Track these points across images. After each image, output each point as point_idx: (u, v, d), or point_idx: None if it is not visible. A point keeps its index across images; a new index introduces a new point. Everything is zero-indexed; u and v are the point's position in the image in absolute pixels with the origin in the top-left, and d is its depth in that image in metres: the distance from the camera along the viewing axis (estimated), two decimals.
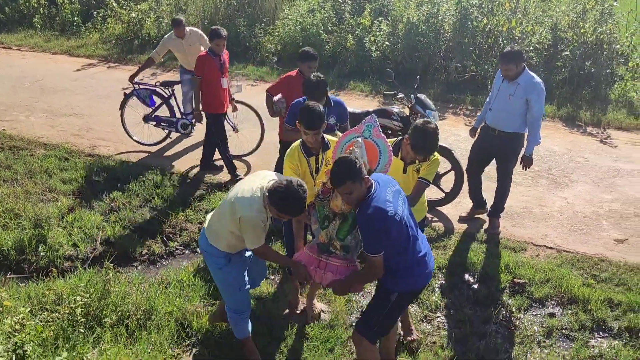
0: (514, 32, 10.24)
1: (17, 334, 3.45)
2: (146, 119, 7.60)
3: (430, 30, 10.63)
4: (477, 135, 5.87)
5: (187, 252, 5.49)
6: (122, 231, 5.63)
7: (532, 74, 5.37)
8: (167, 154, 7.63)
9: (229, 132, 6.93)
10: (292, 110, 4.68)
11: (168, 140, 7.82)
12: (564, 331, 4.52)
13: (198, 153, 7.23)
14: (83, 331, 3.76)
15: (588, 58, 9.92)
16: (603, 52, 10.00)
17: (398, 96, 6.27)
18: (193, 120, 7.31)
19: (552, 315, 4.68)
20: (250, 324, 4.03)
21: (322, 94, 4.59)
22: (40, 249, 5.20)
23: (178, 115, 7.61)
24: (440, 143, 6.25)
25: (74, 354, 3.50)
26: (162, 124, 7.61)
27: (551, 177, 6.89)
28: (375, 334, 3.59)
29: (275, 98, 5.55)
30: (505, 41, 10.15)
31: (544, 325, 4.55)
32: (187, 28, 7.61)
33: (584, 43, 9.94)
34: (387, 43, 10.72)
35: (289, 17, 12.07)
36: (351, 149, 3.66)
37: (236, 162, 6.94)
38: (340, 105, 4.86)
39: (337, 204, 3.53)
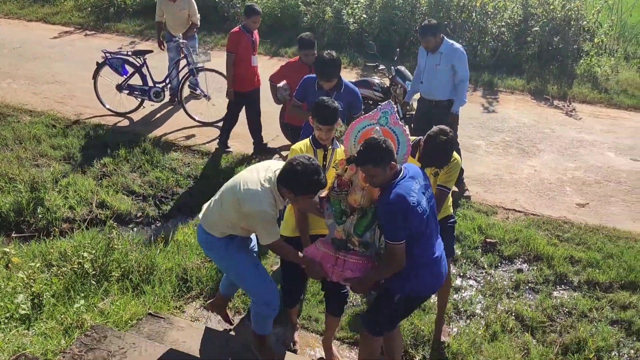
0: (486, 7, 10.58)
1: (33, 284, 3.71)
2: (119, 87, 7.73)
3: (406, 4, 10.90)
4: (415, 109, 6.21)
5: (179, 215, 5.76)
6: (116, 195, 5.86)
7: (451, 41, 5.78)
8: (150, 120, 7.80)
9: (201, 101, 7.18)
10: (302, 85, 4.63)
11: (141, 109, 7.96)
12: (530, 284, 4.98)
13: (177, 119, 7.43)
14: (94, 283, 4.03)
15: (556, 34, 10.35)
16: (570, 28, 10.42)
17: (379, 68, 6.59)
18: (166, 88, 7.54)
19: (519, 270, 5.14)
20: (272, 323, 3.79)
21: (334, 73, 4.43)
22: (38, 210, 5.40)
23: (150, 83, 7.74)
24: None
25: (87, 303, 3.77)
26: (135, 92, 7.75)
27: (520, 147, 7.33)
28: (378, 330, 3.52)
29: (279, 85, 5.64)
30: (478, 16, 10.50)
31: (512, 280, 5.01)
32: None
33: (552, 19, 10.34)
34: (364, 16, 10.96)
35: None
36: (370, 137, 3.30)
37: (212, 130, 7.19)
38: (353, 93, 4.65)
39: (356, 198, 3.38)
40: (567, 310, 4.62)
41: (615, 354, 4.15)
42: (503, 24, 10.41)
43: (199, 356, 3.51)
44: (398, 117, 3.49)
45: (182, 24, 7.94)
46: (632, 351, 4.19)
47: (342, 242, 3.46)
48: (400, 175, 3.18)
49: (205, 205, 3.62)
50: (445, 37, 5.74)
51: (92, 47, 10.28)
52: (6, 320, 3.42)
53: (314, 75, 4.51)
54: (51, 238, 4.97)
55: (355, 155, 3.19)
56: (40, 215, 5.39)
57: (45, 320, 3.54)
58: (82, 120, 7.59)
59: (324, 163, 3.69)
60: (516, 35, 10.46)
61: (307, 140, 3.72)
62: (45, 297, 3.71)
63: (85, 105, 8.09)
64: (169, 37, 7.95)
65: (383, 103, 3.57)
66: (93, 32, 11.77)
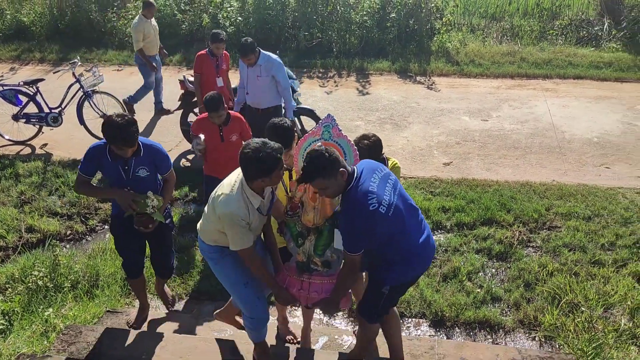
0: None
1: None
2: (15, 117, 7.98)
3: (276, 3, 11.80)
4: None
5: (105, 227, 6.30)
6: (41, 218, 6.29)
7: (268, 53, 6.25)
8: (53, 144, 8.12)
9: (97, 118, 7.72)
10: (90, 155, 3.92)
11: (41, 135, 8.20)
12: None
13: (80, 139, 7.85)
14: (53, 294, 4.61)
15: (411, 17, 11.75)
16: (422, 10, 11.87)
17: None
18: (62, 112, 7.94)
19: None
20: (266, 329, 3.79)
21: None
22: None
23: (47, 110, 8.00)
24: (304, 105, 7.63)
25: (54, 312, 4.37)
26: (32, 120, 8.01)
27: (393, 122, 8.54)
28: (373, 318, 3.52)
29: (194, 138, 5.27)
30: (342, 8, 11.65)
31: None
32: None
33: (406, 5, 11.71)
34: (239, 18, 11.73)
35: None
36: None
37: None
38: (155, 151, 4.02)
39: (309, 218, 3.39)
40: (444, 248, 5.79)
41: (481, 274, 5.37)
42: (365, 13, 11.62)
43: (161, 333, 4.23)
44: (340, 129, 3.50)
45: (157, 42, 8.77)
46: (493, 270, 5.45)
47: (305, 264, 3.48)
48: (355, 177, 3.12)
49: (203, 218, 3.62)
50: (261, 51, 6.20)
51: None
52: None
53: (102, 141, 3.88)
54: None
55: (302, 172, 3.10)
56: None
57: (21, 331, 4.11)
58: None
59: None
60: (377, 22, 11.71)
61: None
62: (14, 313, 4.26)
63: None
64: (139, 58, 8.58)
65: (323, 118, 3.54)
66: None
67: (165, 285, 4.91)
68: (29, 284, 4.70)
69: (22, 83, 7.99)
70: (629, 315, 4.62)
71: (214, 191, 3.35)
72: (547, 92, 9.45)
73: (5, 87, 7.90)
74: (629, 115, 8.49)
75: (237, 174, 3.29)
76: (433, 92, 9.69)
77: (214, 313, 4.22)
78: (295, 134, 3.78)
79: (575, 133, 7.97)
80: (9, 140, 8.07)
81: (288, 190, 3.61)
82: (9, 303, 4.33)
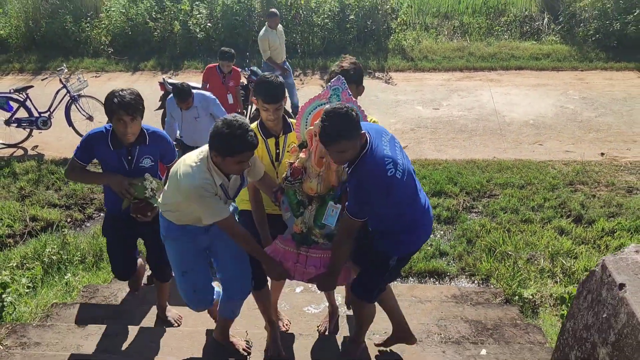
0: (309, 3, 12.67)
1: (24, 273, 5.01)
2: (7, 122, 8.67)
3: (243, 9, 12.63)
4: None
5: (102, 214, 7.06)
6: (42, 209, 7.02)
7: (200, 92, 6.24)
8: (44, 145, 8.82)
9: (83, 120, 8.46)
10: (88, 142, 3.65)
11: (31, 138, 8.86)
12: None
13: (70, 139, 8.54)
14: (65, 267, 5.39)
15: (369, 18, 12.71)
16: (379, 12, 12.85)
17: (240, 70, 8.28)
18: (51, 116, 8.62)
19: None
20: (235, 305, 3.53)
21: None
22: None
23: (36, 114, 8.68)
24: None
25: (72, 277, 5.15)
26: (23, 124, 8.71)
27: None
28: (374, 297, 3.36)
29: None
30: (304, 12, 12.55)
31: None
32: None
33: (363, 7, 12.67)
34: (209, 24, 12.53)
35: (112, 9, 13.20)
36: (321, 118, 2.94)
37: None
38: (162, 140, 3.80)
39: (312, 186, 3.14)
40: None
41: (432, 236, 6.31)
42: (326, 16, 12.55)
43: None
44: (350, 93, 3.19)
45: (284, 50, 9.10)
46: (441, 232, 6.39)
47: (303, 235, 3.22)
48: (368, 141, 2.88)
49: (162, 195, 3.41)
50: (194, 91, 6.13)
51: None
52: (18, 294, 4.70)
53: (102, 127, 3.65)
54: (4, 251, 6.11)
55: (321, 131, 2.80)
56: None
57: (45, 292, 4.88)
58: None
59: (277, 151, 3.41)
60: (337, 24, 12.64)
61: (254, 127, 3.31)
62: (36, 280, 5.03)
63: None
64: (268, 66, 8.90)
65: (332, 80, 3.22)
66: None
67: (168, 305, 4.28)
68: (44, 259, 5.46)
69: (12, 90, 8.66)
70: (549, 259, 5.61)
71: (175, 165, 3.14)
72: (492, 82, 10.52)
73: None
74: (562, 99, 9.60)
75: (203, 150, 3.09)
76: (390, 85, 10.66)
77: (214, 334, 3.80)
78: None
79: (515, 117, 9.02)
80: (2, 144, 8.74)
81: (274, 160, 3.39)
82: (32, 271, 5.08)
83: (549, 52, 11.68)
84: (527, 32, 12.95)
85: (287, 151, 3.39)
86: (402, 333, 3.62)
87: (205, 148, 3.07)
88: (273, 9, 9.15)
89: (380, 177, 2.81)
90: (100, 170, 3.79)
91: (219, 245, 3.40)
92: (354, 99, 3.17)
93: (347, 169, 3.00)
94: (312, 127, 3.12)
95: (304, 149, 3.19)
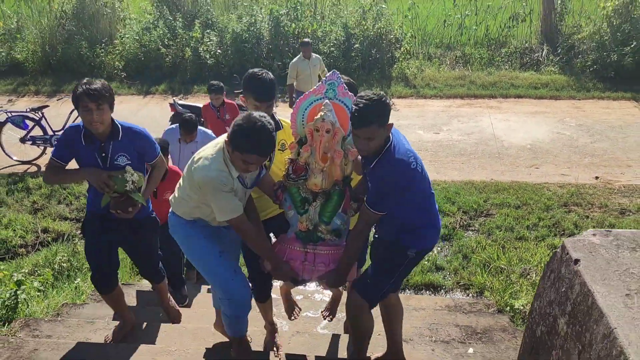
0: (316, 32, 13.12)
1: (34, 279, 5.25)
2: (22, 140, 9.02)
3: (252, 37, 13.08)
4: None
5: None
6: (54, 222, 7.28)
7: (202, 129, 6.04)
8: None
9: None
10: (66, 139, 3.50)
11: (44, 155, 9.13)
12: None
13: None
14: (76, 272, 5.62)
15: (373, 47, 13.12)
16: (383, 41, 13.27)
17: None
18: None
19: None
20: (247, 321, 3.45)
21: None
22: None
23: (51, 132, 9.03)
24: None
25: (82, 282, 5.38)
26: (38, 141, 9.06)
27: None
28: (380, 297, 3.21)
29: None
30: (311, 41, 12.96)
31: None
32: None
33: (368, 37, 13.10)
34: (219, 51, 12.97)
35: (126, 36, 13.71)
36: (321, 114, 3.03)
37: None
38: (141, 136, 3.61)
39: (317, 182, 3.06)
40: None
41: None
42: (332, 44, 12.98)
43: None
44: (346, 88, 3.13)
45: (314, 81, 8.85)
46: (438, 248, 6.60)
47: (309, 233, 3.15)
48: (391, 135, 2.89)
49: (176, 190, 3.29)
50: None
51: None
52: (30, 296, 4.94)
53: (79, 122, 3.50)
54: (16, 260, 6.37)
55: (353, 114, 2.77)
56: None
57: (56, 295, 5.11)
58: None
59: None
60: (343, 52, 13.06)
61: None
62: (47, 284, 5.27)
63: None
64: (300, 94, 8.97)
65: (327, 74, 3.16)
66: None
67: (170, 296, 4.34)
68: (55, 266, 5.70)
69: (28, 110, 9.03)
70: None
71: (192, 157, 3.06)
72: (492, 109, 10.83)
73: (14, 114, 8.93)
74: (559, 126, 9.88)
75: (220, 139, 3.02)
76: (392, 111, 10.90)
77: (215, 324, 3.87)
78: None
79: (513, 141, 9.29)
80: (17, 160, 9.06)
81: (266, 162, 3.26)
82: (42, 276, 5.32)
83: (547, 81, 12.01)
84: (526, 63, 13.31)
85: (278, 149, 3.33)
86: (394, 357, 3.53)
87: (221, 139, 3.00)
88: (306, 39, 9.48)
89: (405, 171, 2.83)
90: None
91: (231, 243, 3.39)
92: (349, 93, 3.10)
93: (362, 160, 3.04)
94: (311, 123, 3.07)
95: (304, 146, 3.11)
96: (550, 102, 11.18)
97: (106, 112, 3.32)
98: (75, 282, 5.32)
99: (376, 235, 3.30)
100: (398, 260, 3.14)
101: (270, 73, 3.23)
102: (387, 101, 2.78)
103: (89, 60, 13.50)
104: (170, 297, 4.39)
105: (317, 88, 3.14)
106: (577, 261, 1.96)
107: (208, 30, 13.35)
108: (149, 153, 3.62)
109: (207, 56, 12.94)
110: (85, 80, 3.30)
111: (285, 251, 3.22)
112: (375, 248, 3.31)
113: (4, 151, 9.01)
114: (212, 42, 13.08)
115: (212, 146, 3.01)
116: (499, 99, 11.40)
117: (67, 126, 3.55)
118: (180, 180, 3.24)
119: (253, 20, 13.24)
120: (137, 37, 13.51)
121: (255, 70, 3.24)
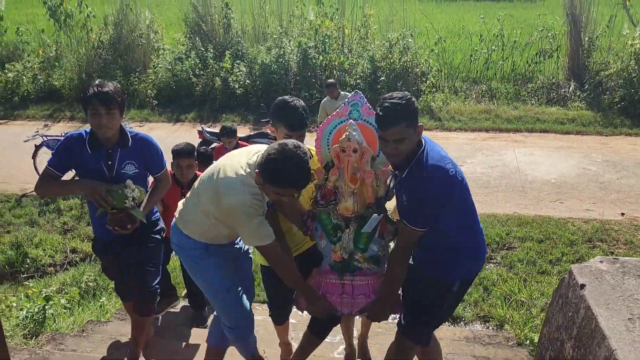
0: (343, 65, 13.38)
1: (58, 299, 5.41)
2: None
3: (280, 68, 13.39)
4: None
5: None
6: (83, 242, 7.49)
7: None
8: None
9: None
10: (65, 146, 3.34)
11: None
12: None
13: None
14: (101, 292, 5.77)
15: (399, 80, 13.29)
16: (409, 74, 13.44)
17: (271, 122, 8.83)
18: None
19: None
20: (254, 336, 3.33)
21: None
22: (27, 261, 6.94)
23: None
24: None
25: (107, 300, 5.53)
26: None
27: None
28: (427, 336, 2.98)
29: None
30: (338, 72, 13.25)
31: None
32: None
33: (394, 70, 13.30)
34: (247, 81, 13.29)
35: (159, 65, 14.16)
36: (346, 134, 2.86)
37: None
38: (148, 144, 3.49)
39: (348, 206, 2.85)
40: None
41: None
42: (358, 77, 13.20)
43: None
44: (370, 106, 2.99)
45: None
46: None
47: (344, 263, 2.92)
48: (424, 140, 2.65)
49: (180, 203, 3.12)
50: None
51: (10, 134, 11.65)
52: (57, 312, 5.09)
53: (82, 130, 3.36)
54: (45, 278, 6.56)
55: (378, 115, 2.61)
56: (29, 264, 6.93)
57: (82, 313, 5.26)
58: (29, 194, 9.06)
59: None
60: (369, 84, 13.24)
61: None
62: (73, 302, 5.43)
63: (26, 182, 9.49)
64: None
65: (350, 95, 3.07)
66: (5, 120, 13.04)
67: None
68: (81, 285, 5.87)
69: (63, 134, 9.36)
70: None
71: (213, 175, 2.82)
72: (516, 143, 10.84)
73: (49, 138, 9.27)
74: (585, 161, 9.83)
75: (244, 155, 2.84)
76: None
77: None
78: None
79: (537, 175, 9.27)
80: None
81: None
82: (69, 294, 5.48)
83: (574, 117, 11.99)
84: (553, 99, 13.30)
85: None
86: None
87: (251, 158, 2.77)
88: (330, 80, 9.70)
89: (442, 178, 2.57)
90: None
91: (245, 263, 3.30)
92: (374, 111, 2.85)
93: (391, 171, 2.82)
94: (336, 145, 2.91)
95: (332, 169, 2.94)
96: (577, 137, 11.14)
97: (116, 117, 3.19)
98: (101, 300, 5.47)
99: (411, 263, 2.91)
100: (439, 297, 2.86)
101: (301, 100, 3.09)
102: (415, 101, 2.61)
103: (123, 88, 13.86)
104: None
105: (339, 111, 3.03)
106: (583, 286, 2.00)
107: (238, 61, 13.71)
108: (156, 164, 3.45)
109: (236, 86, 13.26)
110: (97, 82, 3.16)
111: (321, 284, 2.99)
112: (406, 283, 2.94)
113: (37, 172, 9.32)
114: (241, 73, 13.42)
115: (241, 162, 2.79)
116: (524, 133, 11.41)
117: (67, 134, 3.35)
118: (191, 198, 3.01)
119: (282, 52, 13.55)
120: (170, 67, 13.93)
121: (286, 97, 3.10)
